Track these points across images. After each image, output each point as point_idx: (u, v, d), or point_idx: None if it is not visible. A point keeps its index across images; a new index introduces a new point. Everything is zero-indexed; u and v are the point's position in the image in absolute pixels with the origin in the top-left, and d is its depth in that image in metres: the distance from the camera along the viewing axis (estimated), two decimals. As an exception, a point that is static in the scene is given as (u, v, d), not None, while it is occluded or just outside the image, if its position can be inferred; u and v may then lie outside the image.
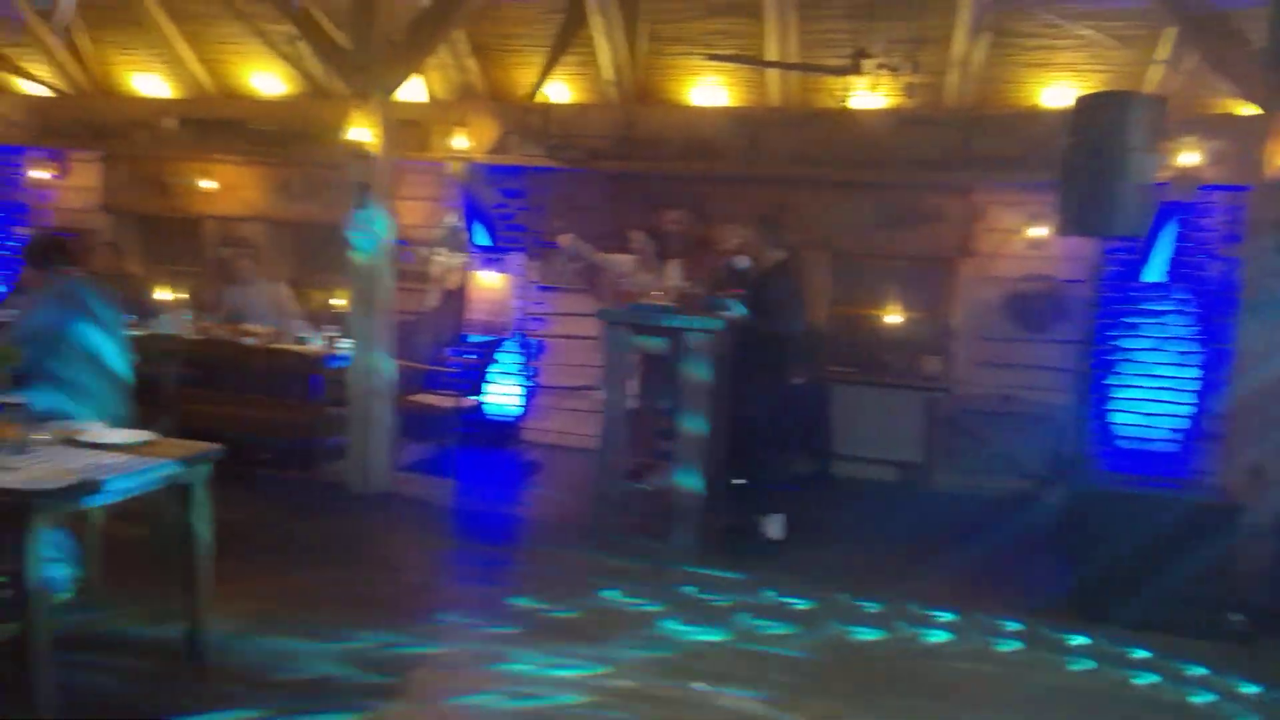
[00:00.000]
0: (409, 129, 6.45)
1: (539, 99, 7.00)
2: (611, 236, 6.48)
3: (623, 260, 6.25)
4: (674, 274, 5.93)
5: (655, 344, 5.18)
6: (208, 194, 8.26)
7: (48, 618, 2.89)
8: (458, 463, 6.45)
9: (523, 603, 4.30)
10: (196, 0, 6.97)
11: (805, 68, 5.96)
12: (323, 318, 7.13)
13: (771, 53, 6.09)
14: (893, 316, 6.89)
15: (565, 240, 6.39)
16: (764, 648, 4.00)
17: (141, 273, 8.04)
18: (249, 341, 6.29)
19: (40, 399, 3.57)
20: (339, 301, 8.08)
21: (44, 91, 8.19)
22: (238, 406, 6.13)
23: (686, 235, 6.08)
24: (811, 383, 5.67)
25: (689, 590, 4.55)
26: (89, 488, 2.98)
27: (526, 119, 6.98)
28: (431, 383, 6.78)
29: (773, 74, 6.30)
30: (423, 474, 6.31)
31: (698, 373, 5.01)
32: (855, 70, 5.11)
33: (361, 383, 5.80)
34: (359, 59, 5.53)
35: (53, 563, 3.22)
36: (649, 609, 4.29)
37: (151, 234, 8.76)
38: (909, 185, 6.45)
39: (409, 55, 5.67)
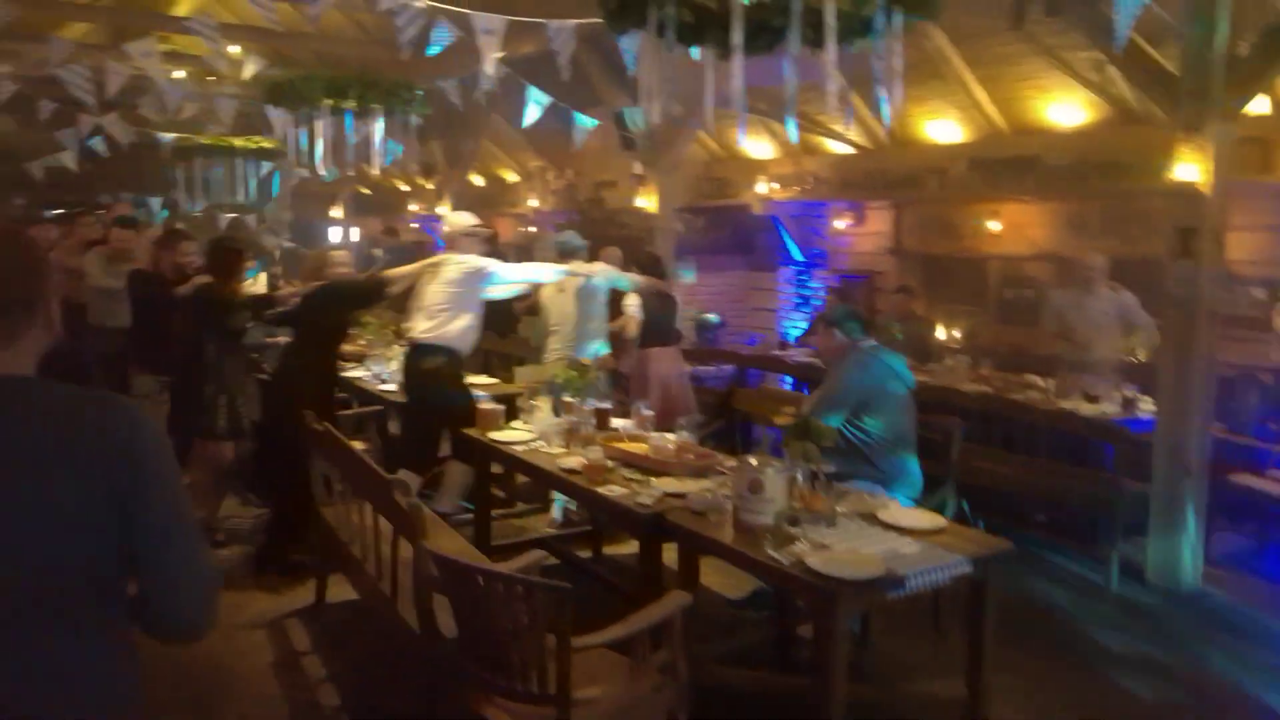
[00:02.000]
0: (1244, 147, 5.26)
1: None
2: None
3: None
4: None
5: None
6: (993, 234, 8.08)
7: (844, 692, 2.84)
8: (1295, 568, 5.04)
9: None
10: (996, 44, 6.75)
11: None
12: (1117, 368, 6.30)
13: None
14: None
15: None
16: None
17: (925, 314, 8.23)
18: (1030, 395, 5.80)
19: (842, 469, 3.64)
20: (1138, 353, 7.12)
21: (846, 149, 8.93)
22: (1015, 467, 5.70)
23: None
24: None
25: None
26: (892, 582, 2.85)
27: None
28: (1261, 458, 5.44)
29: None
30: (1242, 573, 5.06)
31: None
32: None
33: (1167, 454, 4.86)
34: (1190, 83, 4.64)
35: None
36: None
37: (935, 275, 8.95)
38: None
39: (1257, 73, 4.60)
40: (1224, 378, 5.26)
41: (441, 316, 5.12)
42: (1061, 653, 4.15)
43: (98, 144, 9.51)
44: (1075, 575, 5.13)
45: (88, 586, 1.37)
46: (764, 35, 3.61)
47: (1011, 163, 7.31)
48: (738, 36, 3.19)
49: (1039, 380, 6.14)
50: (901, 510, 3.42)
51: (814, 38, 3.28)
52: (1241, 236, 5.83)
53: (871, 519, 3.32)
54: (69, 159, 9.61)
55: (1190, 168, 4.62)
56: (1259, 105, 5.78)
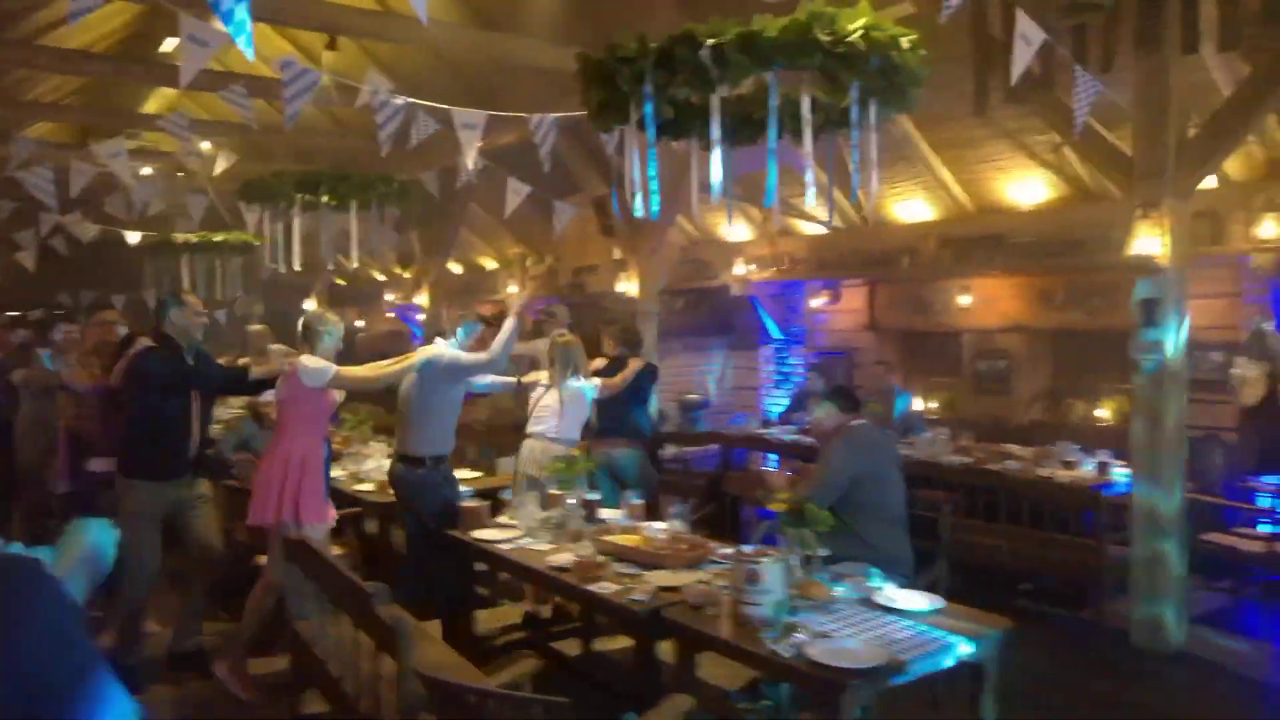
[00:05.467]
0: (1197, 221, 5.49)
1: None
2: None
3: None
4: None
5: None
6: (964, 308, 8.28)
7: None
8: (1271, 621, 5.08)
9: None
10: (960, 127, 7.01)
11: None
12: (1088, 434, 6.43)
13: None
14: None
15: None
16: None
17: (904, 387, 8.35)
18: (1009, 465, 5.88)
19: (835, 550, 3.63)
20: (1103, 413, 7.29)
21: (820, 230, 9.14)
22: (1001, 537, 5.75)
23: None
24: None
25: None
26: (895, 669, 2.83)
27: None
28: (1232, 517, 5.55)
29: None
30: (1220, 630, 5.10)
31: None
32: None
33: (1145, 517, 4.93)
34: (1146, 166, 4.86)
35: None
36: None
37: (911, 349, 9.12)
38: None
39: (1207, 153, 4.86)
40: (1195, 440, 5.39)
41: None
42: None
43: (59, 242, 9.26)
44: (1065, 639, 5.14)
45: None
46: (746, 128, 3.74)
47: (979, 240, 7.53)
48: (717, 132, 3.31)
49: (1017, 449, 6.26)
50: (898, 591, 3.41)
51: (794, 128, 3.40)
52: (1198, 305, 6.05)
53: (869, 602, 3.31)
54: (27, 259, 9.30)
55: (1150, 242, 4.80)
56: (1206, 180, 6.06)
